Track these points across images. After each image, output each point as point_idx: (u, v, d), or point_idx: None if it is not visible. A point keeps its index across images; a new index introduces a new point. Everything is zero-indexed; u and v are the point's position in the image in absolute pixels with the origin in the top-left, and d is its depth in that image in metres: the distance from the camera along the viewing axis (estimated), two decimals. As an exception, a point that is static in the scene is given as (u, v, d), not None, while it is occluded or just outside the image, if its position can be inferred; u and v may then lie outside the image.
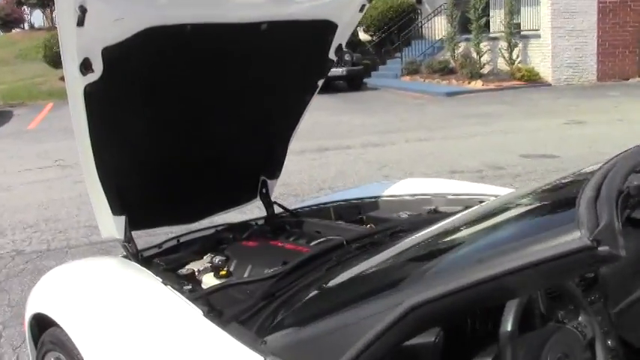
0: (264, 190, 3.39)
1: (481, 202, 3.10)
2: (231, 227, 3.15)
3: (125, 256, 2.78)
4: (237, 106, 2.93)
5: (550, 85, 18.61)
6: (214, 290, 2.20)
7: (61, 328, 2.28)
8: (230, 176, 3.19)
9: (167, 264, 2.73)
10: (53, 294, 2.61)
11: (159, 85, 2.53)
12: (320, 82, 3.14)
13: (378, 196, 3.44)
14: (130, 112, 2.53)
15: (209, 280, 2.46)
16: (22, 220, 6.92)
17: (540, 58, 19.00)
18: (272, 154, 3.35)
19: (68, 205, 7.38)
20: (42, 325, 2.54)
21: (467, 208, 3.13)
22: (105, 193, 2.56)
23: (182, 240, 3.10)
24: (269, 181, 3.40)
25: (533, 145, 9.44)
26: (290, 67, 2.95)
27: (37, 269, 5.21)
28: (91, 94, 2.23)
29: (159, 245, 3.01)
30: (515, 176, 7.48)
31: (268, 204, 3.41)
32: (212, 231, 3.20)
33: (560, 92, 16.82)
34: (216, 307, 2.05)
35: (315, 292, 2.03)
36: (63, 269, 2.82)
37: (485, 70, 19.67)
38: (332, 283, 2.09)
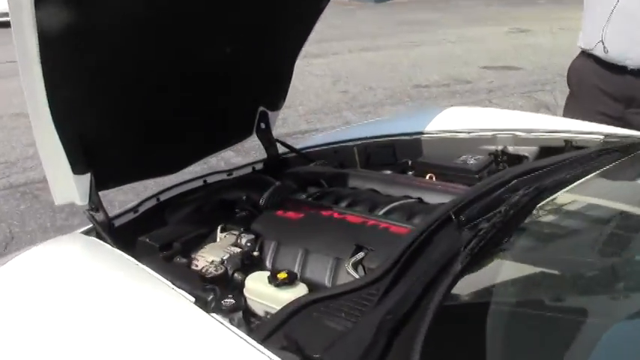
0: (262, 125, 2.49)
1: (568, 142, 2.34)
2: (238, 180, 2.26)
3: (90, 231, 1.90)
4: (232, 10, 1.98)
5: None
6: (290, 315, 1.32)
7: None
8: (221, 107, 2.31)
9: (160, 244, 1.84)
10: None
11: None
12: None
13: (419, 133, 2.60)
14: (93, 25, 1.61)
15: (257, 286, 1.56)
16: None
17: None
18: (276, 76, 2.45)
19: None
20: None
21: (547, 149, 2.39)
22: (63, 144, 1.70)
23: (163, 198, 2.19)
24: (270, 113, 2.49)
25: (489, 56, 8.79)
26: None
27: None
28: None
29: (134, 209, 2.10)
30: (488, 91, 6.81)
31: (269, 142, 2.54)
32: (198, 182, 2.31)
33: (493, 1, 16.21)
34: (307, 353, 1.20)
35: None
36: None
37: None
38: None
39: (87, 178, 1.81)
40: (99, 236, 1.86)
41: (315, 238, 1.74)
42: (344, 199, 1.99)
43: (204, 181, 2.34)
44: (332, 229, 1.77)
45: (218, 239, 1.93)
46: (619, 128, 2.43)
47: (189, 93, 2.08)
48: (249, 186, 2.19)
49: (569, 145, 2.34)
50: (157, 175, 2.24)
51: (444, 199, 1.95)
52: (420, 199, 1.97)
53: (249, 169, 2.51)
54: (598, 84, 2.99)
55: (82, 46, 1.63)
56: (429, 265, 1.46)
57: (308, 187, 2.18)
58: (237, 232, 1.87)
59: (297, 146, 2.73)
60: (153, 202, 2.16)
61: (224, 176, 2.42)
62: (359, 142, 2.64)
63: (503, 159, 2.40)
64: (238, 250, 1.78)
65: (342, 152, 2.65)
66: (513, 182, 1.82)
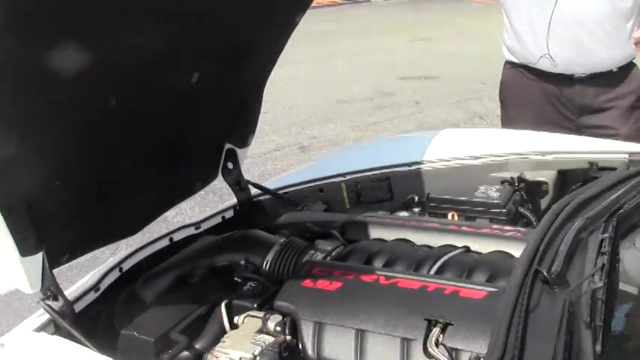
0: (230, 165, 2.10)
1: (593, 163, 2.09)
2: (227, 239, 1.88)
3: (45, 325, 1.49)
4: (200, 32, 1.58)
5: (369, 1, 18.02)
6: None
7: None
8: (184, 149, 1.91)
9: (155, 337, 1.46)
10: None
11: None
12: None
13: (417, 162, 2.29)
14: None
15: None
16: None
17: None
18: (244, 107, 2.07)
19: None
20: None
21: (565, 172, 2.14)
22: (6, 217, 1.31)
23: (127, 267, 1.80)
24: (238, 151, 2.10)
25: (402, 66, 8.65)
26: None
27: None
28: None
29: (94, 287, 1.70)
30: (416, 103, 6.63)
31: (239, 185, 2.16)
32: (165, 242, 1.91)
33: (380, 9, 16.28)
34: None
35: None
36: None
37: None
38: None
39: (38, 259, 1.40)
40: (58, 329, 1.48)
41: (368, 314, 1.39)
42: (377, 257, 1.65)
43: (171, 240, 1.93)
44: (386, 301, 1.42)
45: (225, 322, 1.54)
46: (638, 145, 2.22)
47: (148, 137, 1.69)
48: (242, 245, 1.81)
49: (594, 167, 2.10)
50: (118, 237, 1.84)
51: (496, 245, 1.64)
52: (467, 248, 1.65)
53: (218, 219, 2.13)
54: (544, 96, 2.81)
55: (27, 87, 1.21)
56: (542, 340, 1.15)
57: (316, 241, 1.81)
58: (259, 314, 1.48)
59: (269, 186, 2.36)
60: (115, 275, 1.74)
61: (192, 231, 2.02)
62: (347, 178, 2.29)
63: (520, 186, 2.12)
64: (271, 338, 1.40)
65: (328, 190, 2.29)
66: (584, 220, 1.53)
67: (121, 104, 1.47)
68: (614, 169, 2.08)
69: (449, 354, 1.28)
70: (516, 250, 1.62)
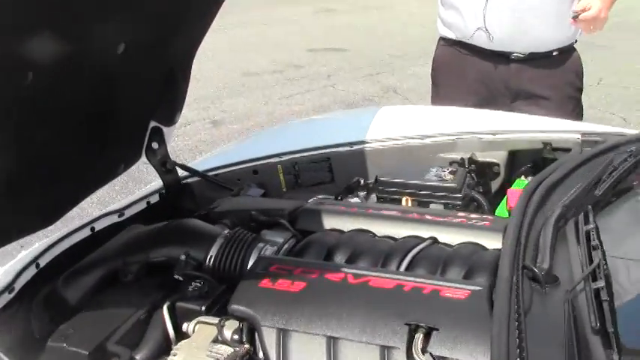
0: (154, 145, 1.88)
1: (547, 143, 2.01)
2: (161, 230, 1.66)
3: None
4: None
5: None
6: None
7: None
8: (105, 127, 1.67)
9: (90, 349, 1.26)
10: None
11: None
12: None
13: (360, 142, 2.14)
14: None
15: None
16: None
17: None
18: (172, 80, 1.83)
19: None
20: None
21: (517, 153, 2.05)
22: None
23: (44, 263, 1.56)
24: (165, 129, 1.88)
25: (309, 38, 8.47)
26: None
27: None
28: None
29: (8, 287, 1.47)
30: (327, 76, 6.46)
31: (165, 167, 1.95)
32: (86, 232, 1.69)
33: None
34: None
35: None
36: None
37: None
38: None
39: None
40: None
41: (339, 318, 1.22)
42: (338, 251, 1.48)
43: (92, 230, 1.70)
44: (359, 303, 1.26)
45: (169, 328, 1.33)
46: (589, 124, 2.16)
47: (67, 114, 1.45)
48: (181, 238, 1.60)
49: (548, 147, 2.01)
50: (33, 229, 1.57)
51: (464, 236, 1.51)
52: (434, 239, 1.51)
53: (142, 205, 1.91)
54: (479, 77, 2.66)
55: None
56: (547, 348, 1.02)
57: (263, 232, 1.62)
58: (212, 320, 1.29)
59: (196, 167, 2.14)
60: (32, 272, 1.50)
61: (115, 219, 1.79)
62: (283, 158, 2.11)
63: (471, 168, 2.01)
64: (229, 349, 1.21)
65: (263, 172, 2.10)
66: (561, 209, 1.42)
67: (39, 79, 1.22)
68: (568, 149, 2.01)
69: (438, 364, 1.13)
70: (487, 241, 1.50)
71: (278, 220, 1.62)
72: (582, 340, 1.05)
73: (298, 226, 1.62)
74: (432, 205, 1.83)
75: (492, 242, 1.49)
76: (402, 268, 1.40)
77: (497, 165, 2.05)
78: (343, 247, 1.48)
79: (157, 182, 1.99)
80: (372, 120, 2.23)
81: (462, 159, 2.05)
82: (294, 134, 2.37)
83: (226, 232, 1.56)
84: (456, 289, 1.26)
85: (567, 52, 2.60)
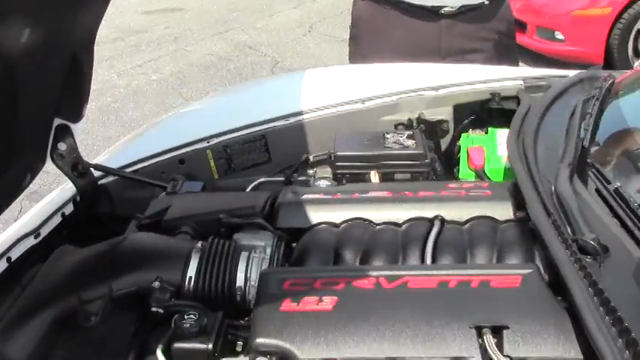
0: (61, 146, 1.58)
1: (495, 94, 1.93)
2: (116, 255, 1.38)
3: None
4: None
5: None
6: None
7: None
8: (7, 134, 1.38)
9: None
10: None
11: None
12: None
13: (296, 114, 1.93)
14: None
15: None
16: None
17: None
18: (75, 70, 1.50)
19: None
20: None
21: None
22: None
23: None
24: (72, 126, 1.58)
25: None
26: None
27: None
28: None
29: None
30: (175, 38, 6.06)
31: (77, 169, 1.67)
32: (2, 264, 1.41)
33: None
34: None
35: None
36: None
37: None
38: None
39: None
40: None
41: (393, 334, 1.04)
42: (345, 250, 1.29)
43: (9, 260, 1.41)
44: (408, 312, 1.08)
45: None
46: (530, 69, 2.09)
47: None
48: (146, 260, 1.33)
49: (496, 97, 1.91)
50: None
51: (468, 210, 1.38)
52: (442, 218, 1.36)
53: (58, 218, 1.62)
54: (405, 35, 2.45)
55: None
56: None
57: (236, 236, 1.39)
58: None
59: (109, 164, 1.86)
60: None
61: (32, 241, 1.48)
62: (212, 142, 1.87)
63: (421, 129, 1.87)
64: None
65: (191, 160, 1.85)
66: (567, 169, 1.33)
67: None
68: (514, 97, 1.93)
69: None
70: (496, 212, 1.38)
71: (255, 220, 1.39)
72: None
73: (279, 224, 1.40)
74: (397, 176, 1.68)
75: (502, 213, 1.37)
76: (428, 260, 1.24)
77: (447, 122, 1.93)
78: (349, 245, 1.30)
79: (63, 186, 1.69)
80: (302, 87, 2.02)
81: (410, 120, 1.91)
82: (219, 113, 2.10)
83: (199, 244, 1.31)
84: (504, 277, 1.13)
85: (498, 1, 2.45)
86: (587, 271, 1.05)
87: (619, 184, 1.24)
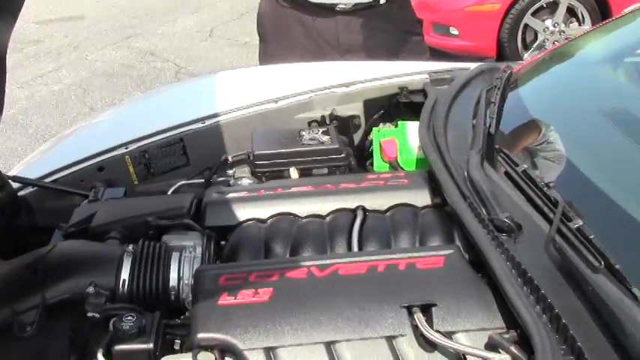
0: None
1: (403, 88, 2.02)
2: (47, 265, 1.37)
3: None
4: None
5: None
6: None
7: None
8: None
9: None
10: None
11: None
12: None
13: (212, 116, 1.96)
14: None
15: None
16: None
17: None
18: None
19: None
20: None
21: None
22: None
23: None
24: None
25: (33, 9, 7.60)
26: None
27: None
28: None
29: None
30: (74, 47, 5.87)
31: None
32: None
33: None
34: None
35: None
36: None
37: None
38: None
39: None
40: None
41: (329, 319, 1.10)
42: (274, 243, 1.34)
43: None
44: (341, 297, 1.14)
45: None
46: (435, 63, 2.19)
47: None
48: (78, 267, 1.34)
49: (404, 91, 2.00)
50: None
51: (388, 199, 1.46)
52: (363, 208, 1.43)
53: None
54: (304, 31, 2.50)
55: None
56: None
57: (165, 238, 1.41)
58: (181, 358, 1.09)
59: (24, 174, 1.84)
60: None
61: None
62: (130, 148, 1.87)
63: (334, 125, 1.94)
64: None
65: (110, 167, 1.85)
66: (478, 154, 1.43)
67: None
68: (421, 90, 2.02)
69: (449, 340, 1.07)
70: (415, 199, 1.45)
71: (183, 221, 1.42)
72: (591, 281, 1.04)
73: (208, 222, 1.43)
74: (315, 171, 1.74)
75: (420, 199, 1.45)
76: (355, 247, 1.30)
77: (358, 117, 2.00)
78: (278, 238, 1.34)
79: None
80: (216, 90, 2.05)
81: (323, 117, 1.97)
82: (136, 119, 2.10)
83: (130, 247, 1.33)
84: (428, 259, 1.21)
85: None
86: (505, 247, 1.13)
87: (526, 165, 1.35)
